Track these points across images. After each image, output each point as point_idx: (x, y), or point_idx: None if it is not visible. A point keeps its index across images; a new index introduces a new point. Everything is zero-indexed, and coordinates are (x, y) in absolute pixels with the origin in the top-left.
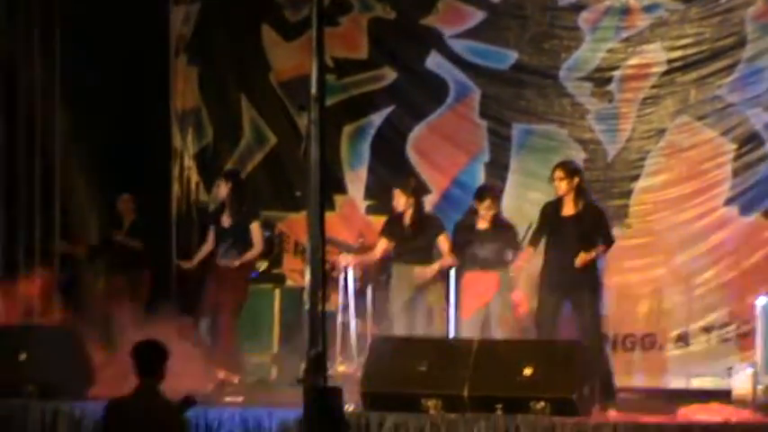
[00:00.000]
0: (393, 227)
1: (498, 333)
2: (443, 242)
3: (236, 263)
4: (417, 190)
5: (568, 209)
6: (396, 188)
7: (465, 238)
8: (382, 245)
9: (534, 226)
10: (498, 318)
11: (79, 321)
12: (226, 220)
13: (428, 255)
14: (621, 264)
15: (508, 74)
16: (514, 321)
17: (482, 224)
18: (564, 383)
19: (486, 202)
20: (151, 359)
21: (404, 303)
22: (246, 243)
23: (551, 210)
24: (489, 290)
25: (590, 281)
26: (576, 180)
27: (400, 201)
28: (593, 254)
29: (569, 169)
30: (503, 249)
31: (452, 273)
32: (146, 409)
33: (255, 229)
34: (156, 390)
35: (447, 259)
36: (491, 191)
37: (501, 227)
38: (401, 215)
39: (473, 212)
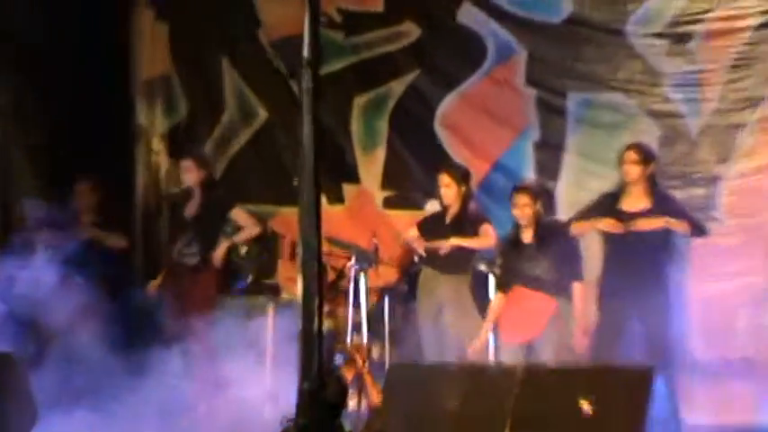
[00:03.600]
0: (432, 224)
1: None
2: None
3: (220, 252)
4: (467, 177)
5: (634, 202)
6: (443, 172)
7: (512, 254)
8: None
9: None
10: (552, 348)
11: None
12: (190, 209)
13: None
14: (710, 269)
15: (561, 29)
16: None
17: (527, 235)
18: (632, 421)
19: (523, 200)
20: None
21: (431, 320)
22: (210, 239)
23: (609, 202)
24: (542, 315)
25: (662, 288)
26: (651, 168)
27: (449, 192)
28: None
29: (646, 152)
30: (560, 267)
31: (492, 284)
32: None
33: (240, 214)
34: None
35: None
36: (527, 188)
37: (553, 236)
38: (444, 211)
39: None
